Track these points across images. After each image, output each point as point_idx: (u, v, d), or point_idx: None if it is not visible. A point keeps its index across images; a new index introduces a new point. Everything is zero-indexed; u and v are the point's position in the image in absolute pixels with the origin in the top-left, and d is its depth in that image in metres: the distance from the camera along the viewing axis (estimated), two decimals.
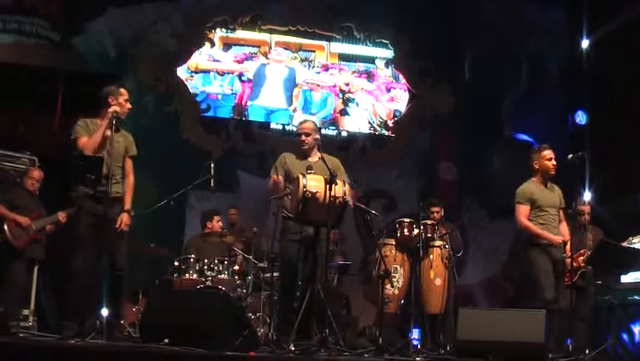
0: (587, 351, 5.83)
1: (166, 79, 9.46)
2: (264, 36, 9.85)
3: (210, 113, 9.62)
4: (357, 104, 10.02)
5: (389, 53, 10.12)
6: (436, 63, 10.01)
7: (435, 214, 7.36)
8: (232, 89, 9.70)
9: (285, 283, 5.90)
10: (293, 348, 5.00)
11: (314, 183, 5.33)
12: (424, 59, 10.05)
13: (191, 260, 7.03)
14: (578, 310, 6.58)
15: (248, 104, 9.69)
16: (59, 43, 9.12)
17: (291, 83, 9.88)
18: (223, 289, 6.71)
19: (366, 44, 10.09)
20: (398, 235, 6.70)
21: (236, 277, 7.14)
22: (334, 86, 9.98)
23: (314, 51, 10.00)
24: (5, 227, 6.81)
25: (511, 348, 5.01)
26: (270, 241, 6.33)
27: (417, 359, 5.30)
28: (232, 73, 9.73)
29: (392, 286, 6.41)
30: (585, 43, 9.95)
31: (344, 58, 10.06)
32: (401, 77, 10.14)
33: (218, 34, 9.73)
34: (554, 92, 10.21)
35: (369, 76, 10.08)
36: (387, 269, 6.16)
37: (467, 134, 9.83)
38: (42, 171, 7.22)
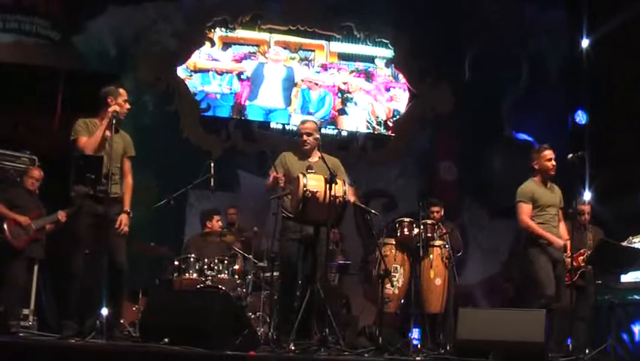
0: (587, 351, 5.85)
1: (166, 78, 9.44)
2: (264, 35, 9.84)
3: (210, 113, 9.61)
4: (355, 104, 10.01)
5: (389, 53, 10.11)
6: (436, 63, 10.00)
7: (435, 214, 7.35)
8: (231, 89, 9.69)
9: (285, 282, 5.89)
10: (293, 348, 4.99)
11: (314, 183, 5.33)
12: (424, 58, 10.03)
13: (191, 260, 7.02)
14: (578, 309, 6.58)
15: (247, 104, 9.69)
16: (59, 42, 9.10)
17: (289, 83, 9.86)
18: (223, 288, 6.70)
19: (366, 44, 10.07)
20: (398, 234, 6.69)
21: (236, 277, 7.14)
22: (333, 85, 9.98)
23: (314, 50, 9.99)
24: (5, 226, 6.79)
25: (511, 348, 5.01)
26: (270, 240, 6.33)
27: (417, 358, 5.30)
28: (231, 72, 9.71)
29: (392, 286, 6.39)
30: (585, 43, 9.95)
31: (344, 57, 10.05)
32: (401, 76, 10.12)
33: (218, 33, 9.72)
34: (554, 91, 10.21)
35: (368, 76, 10.07)
36: (387, 269, 6.15)
37: (467, 134, 9.82)
38: (42, 171, 7.20)
